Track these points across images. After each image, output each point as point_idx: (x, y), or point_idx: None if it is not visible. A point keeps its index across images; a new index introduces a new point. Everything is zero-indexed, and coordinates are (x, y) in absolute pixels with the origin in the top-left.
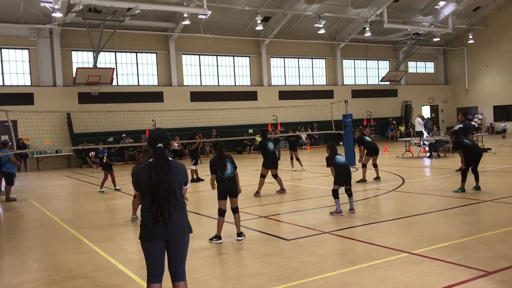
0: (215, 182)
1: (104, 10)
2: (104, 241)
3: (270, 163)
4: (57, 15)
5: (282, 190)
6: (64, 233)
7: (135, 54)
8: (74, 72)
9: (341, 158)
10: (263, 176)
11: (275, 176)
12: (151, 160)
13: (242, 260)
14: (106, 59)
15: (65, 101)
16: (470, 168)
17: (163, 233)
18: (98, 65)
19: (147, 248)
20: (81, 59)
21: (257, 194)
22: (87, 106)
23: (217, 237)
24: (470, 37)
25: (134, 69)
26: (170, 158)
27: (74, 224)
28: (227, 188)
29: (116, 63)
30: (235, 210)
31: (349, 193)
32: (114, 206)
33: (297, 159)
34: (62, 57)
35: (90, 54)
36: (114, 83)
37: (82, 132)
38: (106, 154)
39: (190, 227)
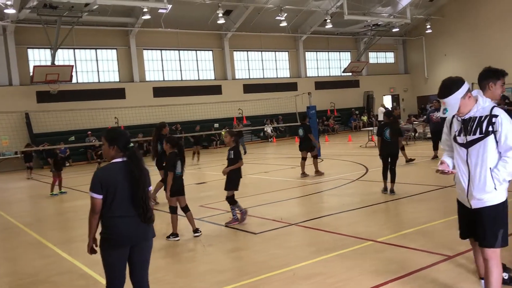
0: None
1: (60, 6)
2: (67, 243)
3: None
4: (10, 11)
5: None
6: (26, 237)
7: (94, 50)
8: (31, 70)
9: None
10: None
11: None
12: (119, 160)
13: (210, 256)
14: (64, 56)
15: (23, 100)
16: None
17: (133, 238)
18: (56, 63)
19: (114, 257)
20: (38, 56)
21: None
22: (46, 105)
23: (174, 234)
24: (428, 27)
25: (94, 65)
26: None
27: (36, 227)
28: (179, 186)
29: (75, 60)
30: (185, 209)
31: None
32: (77, 207)
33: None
34: (17, 55)
35: (48, 51)
36: (74, 80)
37: (42, 132)
38: (60, 154)
39: (153, 231)
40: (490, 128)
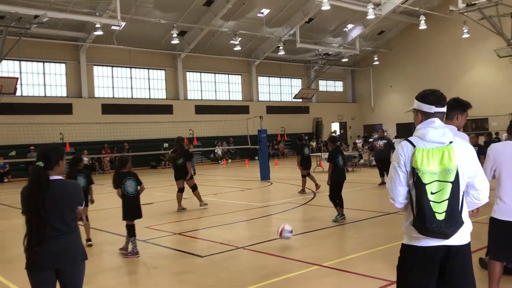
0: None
1: (8, 16)
2: (3, 264)
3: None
4: None
5: (202, 204)
6: None
7: (42, 63)
8: None
9: (129, 188)
10: (180, 190)
11: (194, 188)
12: None
13: (154, 279)
14: (9, 68)
15: None
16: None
17: (50, 262)
18: (0, 74)
19: (34, 280)
20: None
21: (180, 209)
22: None
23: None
24: (375, 58)
25: (41, 79)
26: (59, 177)
27: None
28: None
29: (20, 72)
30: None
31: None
32: (14, 225)
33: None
34: None
35: None
36: (18, 93)
37: None
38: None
39: (85, 253)
40: None
